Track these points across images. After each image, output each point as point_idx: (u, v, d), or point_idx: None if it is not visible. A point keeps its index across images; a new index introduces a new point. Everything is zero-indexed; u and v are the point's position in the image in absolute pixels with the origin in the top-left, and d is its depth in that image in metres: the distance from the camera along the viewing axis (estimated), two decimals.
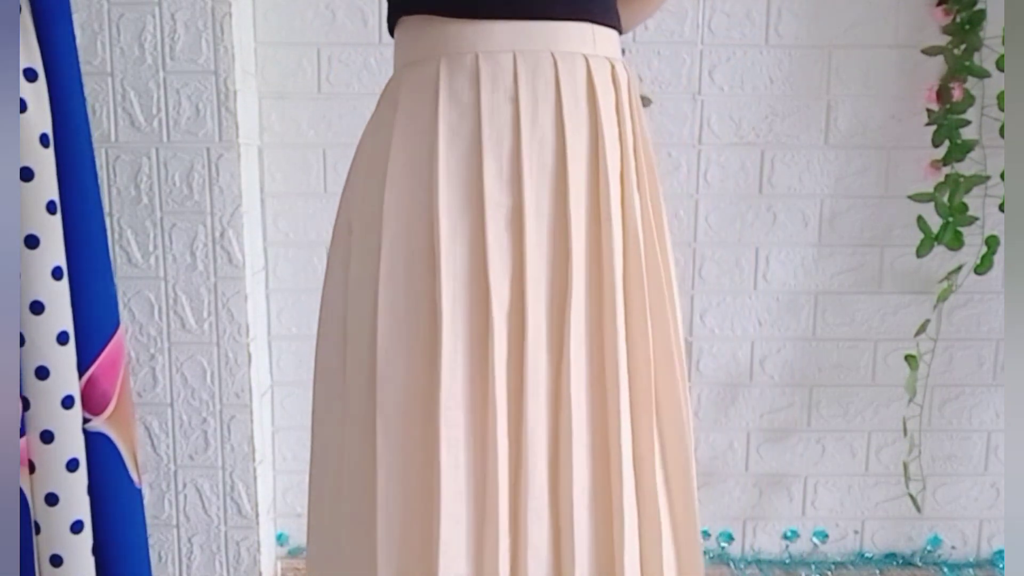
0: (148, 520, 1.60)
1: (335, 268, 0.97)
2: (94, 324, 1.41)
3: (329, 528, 0.97)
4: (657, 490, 0.91)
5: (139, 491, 1.51)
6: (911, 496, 1.73)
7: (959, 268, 1.68)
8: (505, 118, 0.86)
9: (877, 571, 1.83)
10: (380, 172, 0.89)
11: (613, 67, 0.92)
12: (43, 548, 1.38)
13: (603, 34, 0.92)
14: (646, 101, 1.68)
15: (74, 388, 1.37)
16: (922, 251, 1.67)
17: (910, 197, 1.68)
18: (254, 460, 1.68)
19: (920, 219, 1.66)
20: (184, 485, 1.69)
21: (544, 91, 0.87)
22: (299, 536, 1.84)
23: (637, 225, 0.90)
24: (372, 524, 0.87)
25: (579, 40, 0.89)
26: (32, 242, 1.30)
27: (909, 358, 1.71)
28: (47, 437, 1.35)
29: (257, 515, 1.70)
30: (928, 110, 1.67)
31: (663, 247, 0.94)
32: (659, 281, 0.92)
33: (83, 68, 1.42)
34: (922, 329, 1.69)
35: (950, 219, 1.65)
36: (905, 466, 1.75)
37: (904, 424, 1.74)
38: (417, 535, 0.86)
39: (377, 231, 0.88)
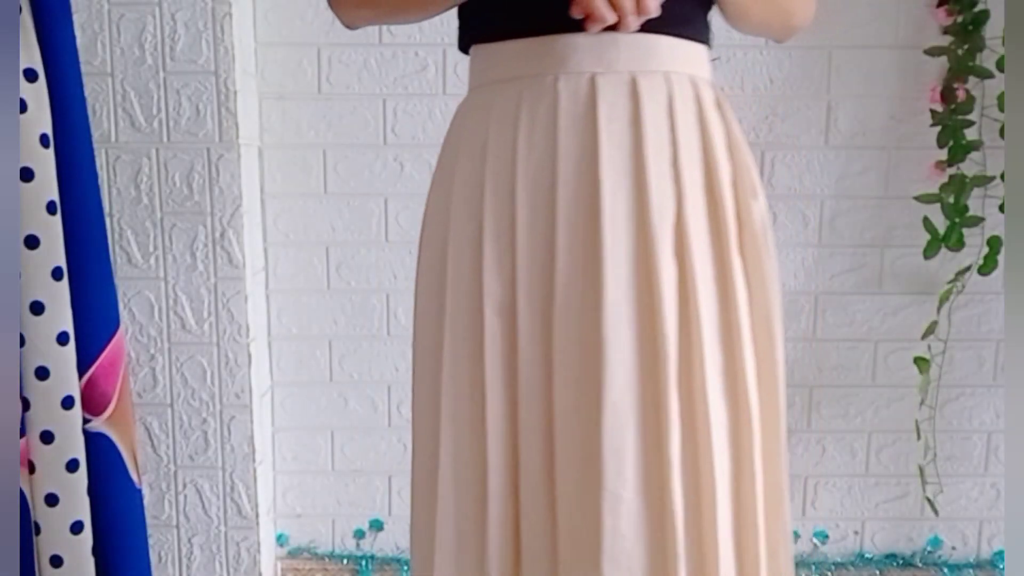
0: (148, 520, 1.60)
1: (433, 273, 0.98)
2: (94, 324, 1.41)
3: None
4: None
5: (139, 491, 1.51)
6: (928, 499, 1.73)
7: (967, 269, 1.67)
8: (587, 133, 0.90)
9: (877, 572, 1.83)
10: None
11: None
12: (43, 549, 1.38)
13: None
14: None
15: (74, 388, 1.37)
16: (929, 252, 1.66)
17: (916, 198, 1.68)
18: (254, 461, 1.68)
19: (926, 220, 1.66)
20: (184, 485, 1.69)
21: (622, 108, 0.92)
22: (299, 536, 1.84)
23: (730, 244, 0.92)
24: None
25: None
26: (32, 242, 1.30)
27: (920, 360, 1.70)
28: (47, 437, 1.35)
29: (257, 515, 1.70)
30: (932, 111, 1.66)
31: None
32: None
33: (83, 68, 1.42)
34: (930, 331, 1.69)
35: (956, 220, 1.64)
36: (921, 469, 1.74)
37: (917, 427, 1.73)
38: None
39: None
